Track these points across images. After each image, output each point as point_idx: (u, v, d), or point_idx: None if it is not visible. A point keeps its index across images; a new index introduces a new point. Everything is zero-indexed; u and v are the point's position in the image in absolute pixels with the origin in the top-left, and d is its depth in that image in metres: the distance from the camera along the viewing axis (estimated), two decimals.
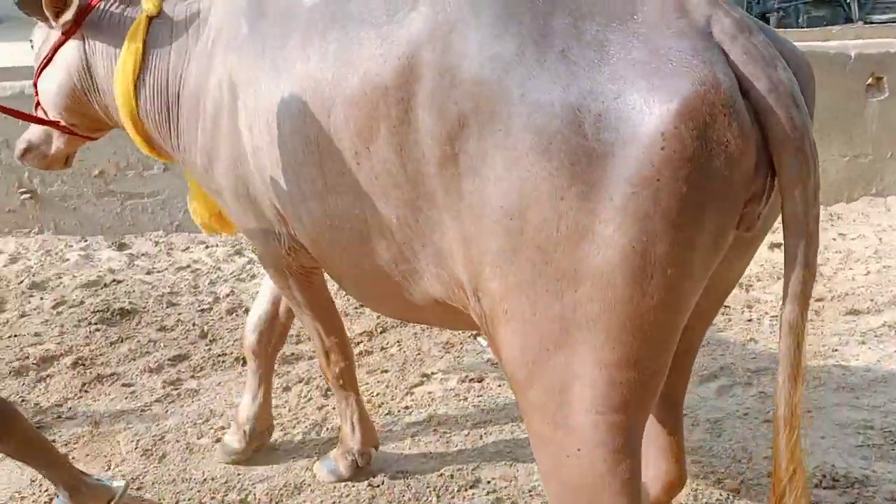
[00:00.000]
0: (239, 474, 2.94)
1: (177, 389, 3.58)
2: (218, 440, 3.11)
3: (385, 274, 1.91)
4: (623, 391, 1.48)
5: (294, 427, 3.25)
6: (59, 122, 2.72)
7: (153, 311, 4.39)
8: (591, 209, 1.40)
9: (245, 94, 2.10)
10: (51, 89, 2.66)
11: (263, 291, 3.00)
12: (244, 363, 3.76)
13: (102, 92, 2.61)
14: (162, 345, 4.00)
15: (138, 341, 4.05)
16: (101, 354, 3.91)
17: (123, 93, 2.45)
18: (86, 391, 3.57)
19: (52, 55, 2.61)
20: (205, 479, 2.91)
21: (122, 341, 4.06)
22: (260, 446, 3.03)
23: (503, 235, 1.51)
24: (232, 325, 4.21)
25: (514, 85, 1.47)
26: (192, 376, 3.71)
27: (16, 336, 4.10)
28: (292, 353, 3.85)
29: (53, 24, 2.52)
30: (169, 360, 3.83)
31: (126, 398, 3.52)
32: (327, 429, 3.21)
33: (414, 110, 1.63)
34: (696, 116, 1.33)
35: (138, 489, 2.86)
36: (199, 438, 3.19)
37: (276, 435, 3.16)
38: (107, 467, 3.01)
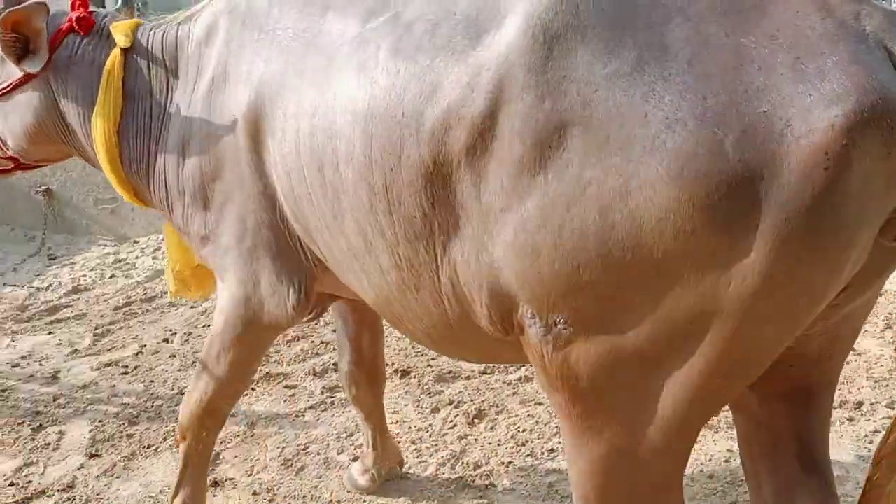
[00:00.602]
0: (365, 502, 2.88)
1: (332, 397, 3.61)
2: (355, 458, 3.08)
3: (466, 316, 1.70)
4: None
5: (431, 455, 3.13)
6: (17, 160, 2.52)
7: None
8: (729, 242, 1.24)
9: (276, 138, 1.91)
10: (14, 130, 2.42)
11: (340, 341, 2.87)
12: (402, 375, 3.72)
13: (77, 134, 2.38)
14: (331, 347, 4.06)
15: (312, 341, 4.16)
16: (276, 352, 4.05)
17: (104, 140, 2.22)
18: (253, 389, 3.71)
19: (10, 90, 2.34)
20: (330, 502, 2.89)
21: (297, 340, 4.18)
22: (390, 475, 2.95)
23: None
24: (399, 334, 4.18)
25: (635, 103, 1.29)
26: None
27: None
28: (450, 371, 3.73)
29: (16, 66, 2.27)
30: (333, 364, 3.88)
31: (285, 401, 3.61)
32: (463, 463, 3.05)
33: (499, 139, 1.45)
34: (864, 131, 1.16)
35: (270, 501, 2.90)
36: (338, 454, 3.18)
37: (412, 460, 3.07)
38: (249, 473, 3.09)
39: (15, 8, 2.15)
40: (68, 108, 2.33)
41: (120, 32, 2.23)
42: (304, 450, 3.21)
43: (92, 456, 3.19)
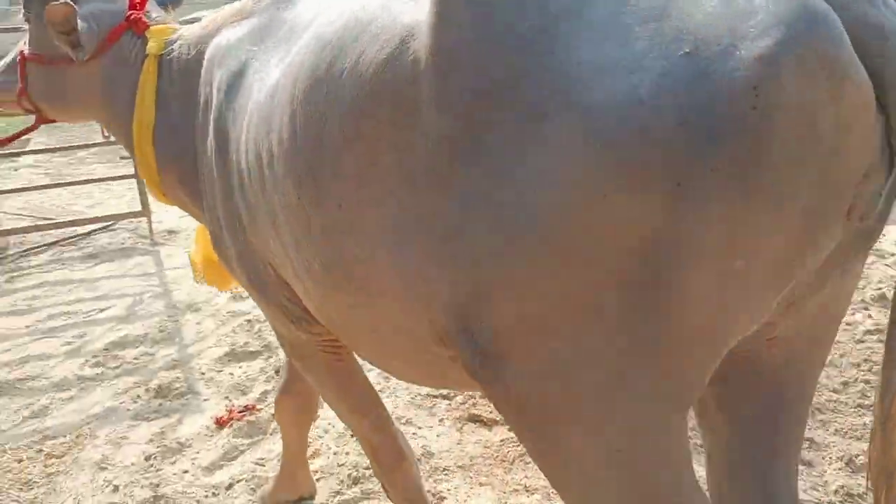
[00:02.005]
0: None
1: None
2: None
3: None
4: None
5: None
6: (40, 113, 2.59)
7: None
8: (652, 206, 1.08)
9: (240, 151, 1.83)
10: (50, 94, 2.51)
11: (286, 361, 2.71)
12: None
13: (120, 125, 2.42)
14: None
15: None
16: None
17: (141, 143, 2.27)
18: None
19: (54, 63, 2.45)
20: None
21: None
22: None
23: None
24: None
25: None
26: None
27: None
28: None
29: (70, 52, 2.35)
30: None
31: None
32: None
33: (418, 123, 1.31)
34: (801, 62, 1.02)
35: None
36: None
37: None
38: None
39: (54, 4, 2.26)
40: (114, 100, 2.40)
41: (153, 39, 2.30)
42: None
43: None
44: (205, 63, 2.11)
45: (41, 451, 3.28)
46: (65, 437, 3.36)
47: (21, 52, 2.53)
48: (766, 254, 1.12)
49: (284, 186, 1.59)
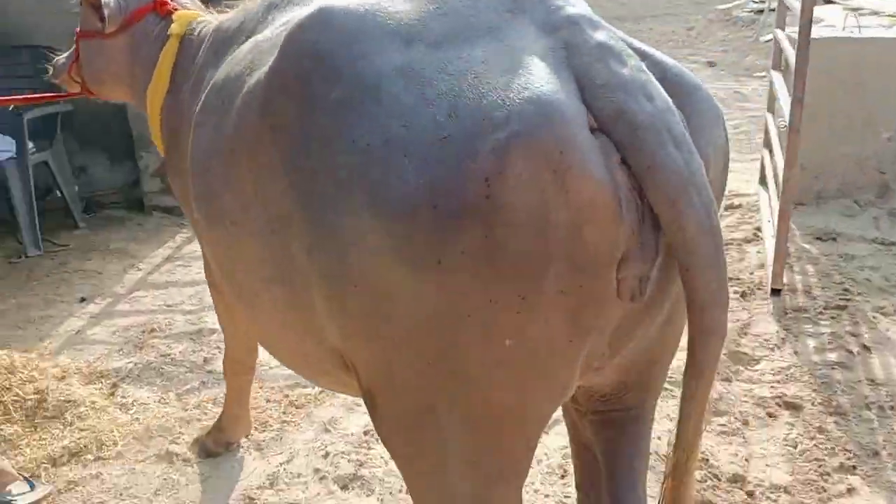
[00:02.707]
0: None
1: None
2: None
3: None
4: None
5: None
6: (87, 88, 2.85)
7: None
8: (414, 276, 1.20)
9: None
10: (93, 70, 2.77)
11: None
12: None
13: (139, 94, 2.63)
14: None
15: None
16: None
17: (152, 109, 2.46)
18: None
19: (92, 37, 2.71)
20: None
21: None
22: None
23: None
24: None
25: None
26: None
27: None
28: None
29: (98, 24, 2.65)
30: None
31: None
32: None
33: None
34: (528, 155, 1.13)
35: None
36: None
37: None
38: None
39: None
40: (135, 72, 2.64)
41: (178, 21, 2.49)
42: None
43: None
44: (203, 45, 2.26)
45: (287, 396, 3.42)
46: (312, 389, 3.46)
47: (75, 31, 2.83)
48: (533, 331, 1.21)
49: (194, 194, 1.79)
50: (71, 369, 3.65)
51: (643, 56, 1.32)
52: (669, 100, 1.24)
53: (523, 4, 1.32)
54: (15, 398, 3.35)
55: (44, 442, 3.16)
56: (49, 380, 3.50)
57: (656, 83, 1.25)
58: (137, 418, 3.31)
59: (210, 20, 2.43)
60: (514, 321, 1.20)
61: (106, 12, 2.62)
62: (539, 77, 1.18)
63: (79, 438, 3.17)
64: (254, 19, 1.96)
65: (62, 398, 3.39)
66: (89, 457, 3.09)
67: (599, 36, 1.26)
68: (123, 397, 3.47)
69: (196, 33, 2.42)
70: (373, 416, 1.46)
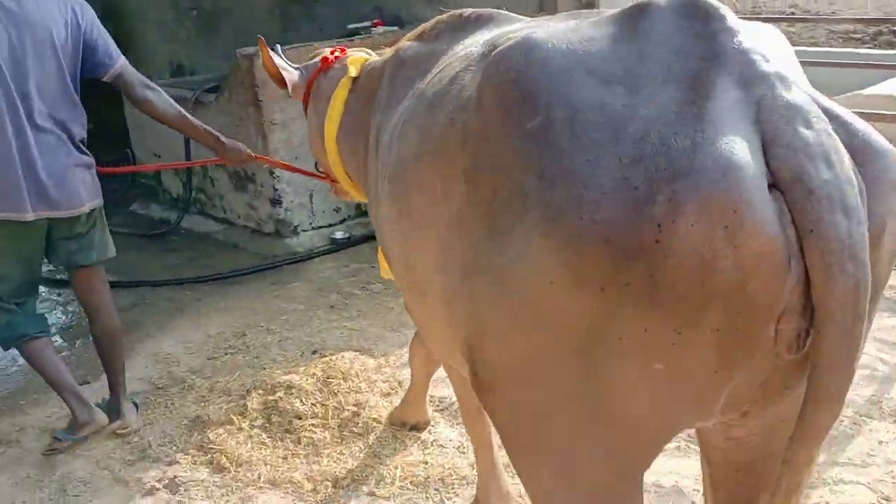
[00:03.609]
0: None
1: None
2: None
3: None
4: None
5: None
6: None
7: None
8: (592, 302, 1.31)
9: None
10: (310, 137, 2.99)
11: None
12: None
13: (319, 125, 2.79)
14: None
15: None
16: None
17: (329, 140, 2.67)
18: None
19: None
20: None
21: None
22: None
23: None
24: None
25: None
26: None
27: None
28: None
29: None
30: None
31: None
32: None
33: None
34: (700, 209, 1.21)
35: None
36: None
37: None
38: None
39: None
40: (315, 122, 2.83)
41: (352, 64, 2.68)
42: None
43: None
44: (386, 72, 2.37)
45: None
46: None
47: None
48: (683, 362, 1.31)
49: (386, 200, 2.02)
50: (401, 388, 3.61)
51: (832, 117, 1.33)
52: (850, 167, 1.26)
53: (722, 54, 1.34)
54: (336, 406, 3.44)
55: (342, 457, 3.18)
56: (373, 395, 3.52)
57: (840, 148, 1.27)
58: (427, 461, 3.12)
59: (379, 58, 2.59)
60: (666, 350, 1.30)
61: (287, 82, 2.86)
62: (724, 133, 1.24)
63: (367, 465, 3.10)
64: (439, 42, 2.17)
65: (373, 416, 3.37)
66: (364, 488, 2.99)
67: (791, 95, 1.30)
68: (430, 432, 3.30)
69: (366, 69, 2.62)
70: (491, 410, 1.63)
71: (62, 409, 3.71)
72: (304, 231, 5.70)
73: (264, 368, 3.90)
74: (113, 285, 5.19)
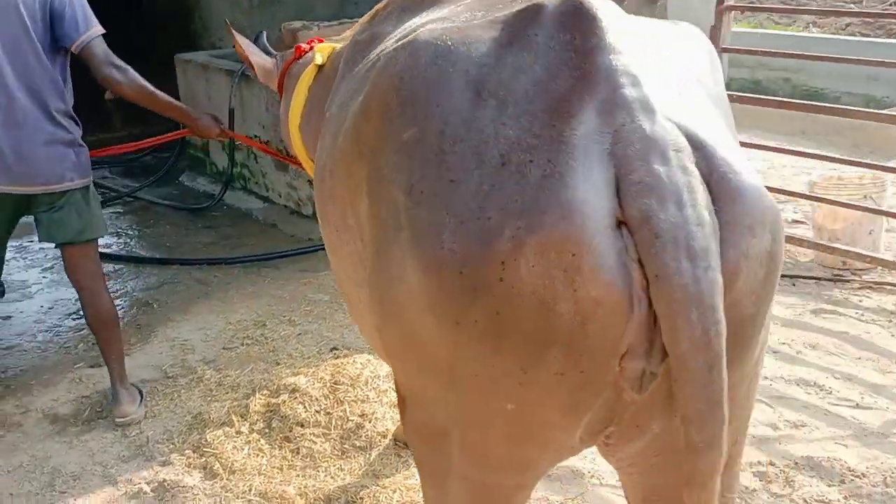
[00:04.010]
0: None
1: None
2: None
3: None
4: None
5: None
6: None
7: None
8: (450, 334, 1.30)
9: None
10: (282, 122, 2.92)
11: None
12: None
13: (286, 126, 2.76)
14: None
15: None
16: None
17: (293, 126, 2.60)
18: None
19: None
20: None
21: None
22: None
23: None
24: None
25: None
26: None
27: None
28: None
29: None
30: None
31: None
32: None
33: None
34: (539, 249, 1.18)
35: None
36: None
37: None
38: None
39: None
40: (284, 108, 2.77)
41: (319, 52, 2.57)
42: None
43: None
44: (342, 57, 2.24)
45: None
46: None
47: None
48: (531, 402, 1.30)
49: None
50: None
51: (697, 147, 1.26)
52: (704, 207, 1.20)
53: (592, 74, 1.26)
54: (340, 416, 3.24)
55: (340, 473, 2.98)
56: (381, 405, 3.30)
57: (695, 185, 1.21)
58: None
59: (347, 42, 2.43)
60: (514, 390, 1.29)
61: (255, 66, 2.95)
62: (574, 167, 1.20)
63: (364, 485, 2.89)
64: (385, 24, 2.01)
65: (378, 430, 3.16)
66: None
67: (650, 126, 1.23)
68: None
69: (336, 55, 2.46)
70: (402, 420, 1.63)
71: (70, 393, 3.64)
72: None
73: (277, 364, 3.73)
74: (140, 261, 5.20)
